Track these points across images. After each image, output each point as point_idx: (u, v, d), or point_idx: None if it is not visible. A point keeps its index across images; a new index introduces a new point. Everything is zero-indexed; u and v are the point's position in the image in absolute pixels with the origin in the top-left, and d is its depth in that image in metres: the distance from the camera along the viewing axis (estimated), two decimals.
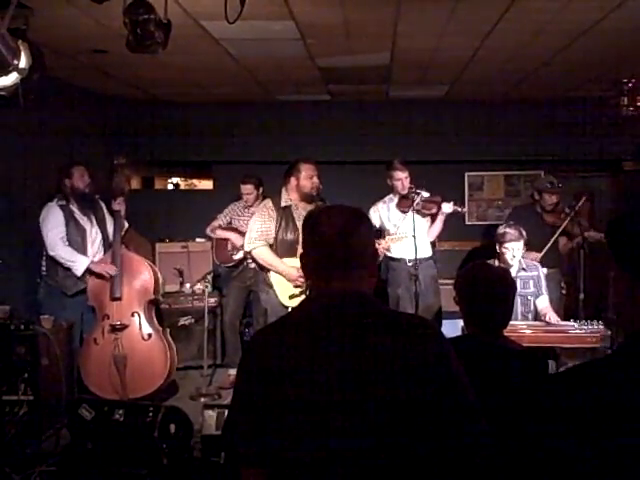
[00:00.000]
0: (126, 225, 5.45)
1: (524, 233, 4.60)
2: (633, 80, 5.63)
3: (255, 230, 4.79)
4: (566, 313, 5.31)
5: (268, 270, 4.80)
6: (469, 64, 5.65)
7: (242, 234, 5.89)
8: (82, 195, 5.14)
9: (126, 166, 5.65)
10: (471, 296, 2.49)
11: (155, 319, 5.28)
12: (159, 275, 5.36)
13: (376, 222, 5.41)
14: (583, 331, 4.32)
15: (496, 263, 4.51)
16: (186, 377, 5.98)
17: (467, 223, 7.49)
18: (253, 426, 1.57)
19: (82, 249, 5.10)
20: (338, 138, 7.48)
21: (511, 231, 4.57)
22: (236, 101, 7.49)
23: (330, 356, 1.53)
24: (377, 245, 4.64)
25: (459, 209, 5.36)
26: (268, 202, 4.95)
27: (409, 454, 1.51)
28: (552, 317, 4.52)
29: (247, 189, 6.00)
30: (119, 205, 5.28)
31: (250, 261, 5.74)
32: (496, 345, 2.43)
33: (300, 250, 4.85)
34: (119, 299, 5.06)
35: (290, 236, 4.74)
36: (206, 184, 8.95)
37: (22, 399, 4.23)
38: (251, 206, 5.97)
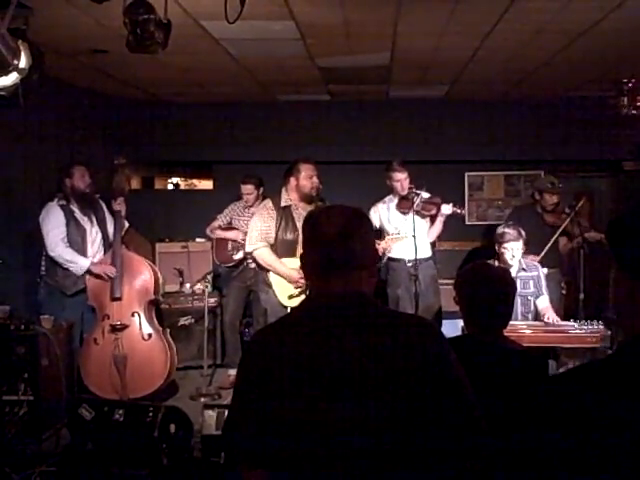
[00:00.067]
0: (126, 225, 5.45)
1: (523, 233, 4.60)
2: (633, 80, 5.63)
3: (256, 230, 4.79)
4: (566, 313, 5.31)
5: (268, 270, 4.80)
6: (469, 64, 5.65)
7: (242, 232, 5.90)
8: (82, 195, 5.14)
9: (126, 166, 5.64)
10: (471, 296, 2.49)
11: (155, 319, 5.28)
12: (159, 275, 5.36)
13: (376, 223, 5.41)
14: (583, 331, 4.32)
15: (496, 263, 4.51)
16: (186, 377, 5.98)
17: (467, 223, 7.49)
18: (253, 426, 1.57)
19: (82, 249, 5.10)
20: (338, 138, 7.48)
21: (510, 231, 4.58)
22: (236, 101, 7.49)
23: (330, 356, 1.53)
24: (377, 245, 4.64)
25: (458, 211, 5.36)
26: (268, 202, 4.95)
27: (409, 454, 1.51)
28: (552, 317, 4.52)
29: (247, 189, 6.00)
30: (119, 205, 5.28)
31: (250, 261, 5.74)
32: (496, 345, 2.43)
33: (300, 250, 4.86)
34: (119, 299, 5.06)
35: (290, 236, 4.74)
36: (206, 184, 8.95)
37: (22, 399, 4.23)
38: (251, 206, 5.97)
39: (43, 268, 5.12)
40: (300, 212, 4.74)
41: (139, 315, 5.11)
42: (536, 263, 4.87)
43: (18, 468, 3.75)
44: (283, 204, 4.83)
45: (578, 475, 1.17)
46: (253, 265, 5.55)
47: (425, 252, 5.43)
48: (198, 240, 6.92)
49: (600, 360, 1.36)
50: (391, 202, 5.57)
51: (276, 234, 4.79)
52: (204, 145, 7.69)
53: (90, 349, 5.02)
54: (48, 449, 4.14)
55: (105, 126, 7.12)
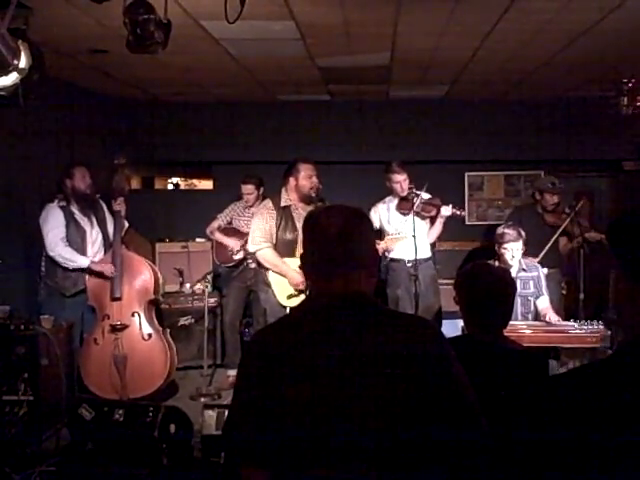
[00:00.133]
0: (126, 225, 5.45)
1: (523, 233, 4.59)
2: (633, 80, 5.63)
3: (258, 230, 4.79)
4: (566, 313, 5.31)
5: (267, 269, 4.80)
6: (469, 64, 5.65)
7: (241, 236, 5.90)
8: (83, 196, 5.14)
9: (126, 166, 5.64)
10: (471, 296, 2.49)
11: (155, 319, 5.28)
12: (159, 275, 5.36)
13: (376, 223, 5.40)
14: (583, 331, 4.32)
15: (496, 264, 4.51)
16: (186, 377, 5.98)
17: (467, 223, 7.48)
18: (253, 426, 1.57)
19: (82, 250, 5.10)
20: (338, 138, 7.48)
21: (510, 231, 4.57)
22: (236, 101, 7.49)
23: (330, 356, 1.53)
24: (377, 245, 4.64)
25: (458, 212, 5.36)
26: (268, 202, 4.95)
27: (409, 453, 1.51)
28: (552, 317, 4.52)
29: (248, 189, 6.00)
30: (119, 205, 5.28)
31: (250, 261, 5.74)
32: (496, 345, 2.43)
33: (299, 250, 4.84)
34: (119, 299, 5.06)
35: (289, 236, 4.74)
36: (206, 184, 8.95)
37: (22, 399, 4.22)
38: (251, 206, 5.97)
39: (43, 269, 5.12)
40: (300, 212, 4.74)
41: (139, 315, 5.11)
42: (536, 263, 4.87)
43: (18, 468, 3.75)
44: (283, 204, 4.83)
45: (578, 474, 1.17)
46: (253, 265, 5.55)
47: (425, 252, 5.43)
48: (198, 240, 6.93)
49: (600, 360, 1.36)
50: (391, 202, 5.57)
51: (276, 234, 4.78)
52: (204, 145, 7.69)
53: (90, 349, 5.02)
54: (48, 449, 4.14)
55: (105, 126, 7.12)
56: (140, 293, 5.16)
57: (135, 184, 8.40)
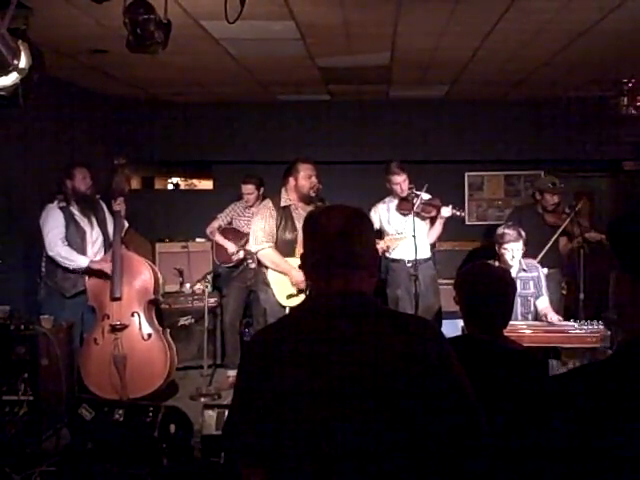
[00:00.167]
0: (126, 225, 5.45)
1: (523, 233, 4.59)
2: (633, 80, 5.63)
3: (260, 230, 4.79)
4: (566, 313, 5.31)
5: (267, 267, 4.79)
6: (469, 64, 5.65)
7: (241, 236, 5.90)
8: (83, 197, 5.14)
9: (126, 166, 5.64)
10: (471, 296, 2.49)
11: (155, 319, 5.28)
12: (159, 275, 5.36)
13: (376, 223, 5.40)
14: (583, 331, 4.32)
15: (496, 264, 4.51)
16: (186, 377, 5.98)
17: (467, 223, 7.48)
18: (253, 426, 1.57)
19: (82, 250, 5.10)
20: (338, 138, 7.48)
21: (510, 232, 4.57)
22: (236, 101, 7.49)
23: (330, 356, 1.53)
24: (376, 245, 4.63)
25: (458, 213, 5.37)
26: (268, 202, 4.95)
27: (409, 454, 1.51)
28: (553, 317, 4.51)
29: (248, 189, 6.00)
30: (119, 205, 5.27)
31: (250, 261, 5.75)
32: (496, 345, 2.43)
33: (299, 250, 4.83)
34: (119, 299, 5.06)
35: (289, 236, 4.74)
36: (206, 184, 8.94)
37: (22, 399, 4.22)
38: (252, 206, 5.97)
39: (43, 270, 5.12)
40: (300, 212, 4.74)
41: (139, 315, 5.11)
42: (536, 264, 4.86)
43: (18, 468, 3.74)
44: (283, 204, 4.83)
45: (578, 474, 1.17)
46: (253, 265, 5.55)
47: (425, 253, 5.43)
48: (198, 240, 6.93)
49: (600, 361, 1.36)
50: (391, 202, 5.57)
51: (276, 234, 4.78)
52: (204, 145, 7.69)
53: (90, 349, 5.02)
54: (48, 449, 4.14)
55: (105, 126, 7.12)
56: (140, 293, 5.16)
57: (135, 184, 8.39)
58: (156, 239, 7.03)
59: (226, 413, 3.67)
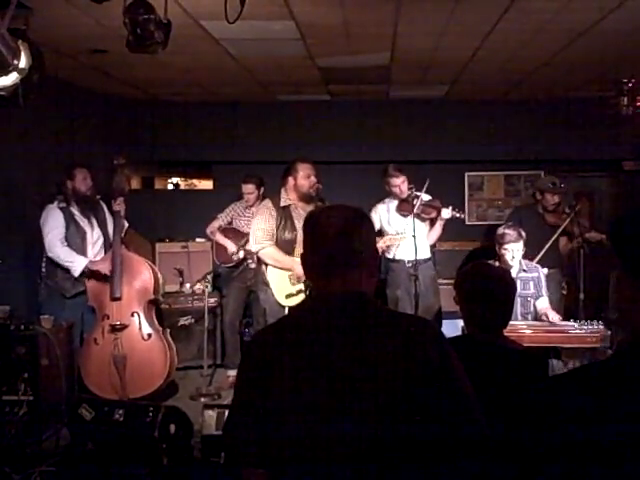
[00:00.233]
0: (126, 225, 5.45)
1: (523, 234, 4.59)
2: (633, 80, 5.63)
3: (260, 230, 4.79)
4: (566, 313, 5.30)
5: (267, 265, 4.79)
6: (469, 64, 5.65)
7: (241, 236, 5.90)
8: (83, 197, 5.14)
9: (126, 166, 5.64)
10: (471, 296, 2.49)
11: (155, 319, 5.27)
12: (159, 275, 5.36)
13: (376, 224, 5.40)
14: (583, 331, 4.32)
15: (496, 264, 4.50)
16: (186, 377, 5.98)
17: (467, 223, 7.48)
18: (253, 426, 1.57)
19: (82, 251, 5.10)
20: (338, 138, 7.48)
21: (510, 232, 4.57)
22: (236, 101, 7.49)
23: (330, 356, 1.53)
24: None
25: (457, 215, 5.36)
26: (268, 202, 4.95)
27: (409, 454, 1.51)
28: (554, 316, 4.51)
29: (248, 189, 6.00)
30: (119, 205, 5.27)
31: (250, 261, 5.75)
32: (496, 345, 2.43)
33: (298, 250, 4.83)
34: (119, 299, 5.06)
35: (288, 235, 4.74)
36: (206, 184, 8.95)
37: (22, 399, 4.22)
38: (252, 206, 5.97)
39: (43, 270, 5.12)
40: (299, 212, 4.75)
41: (139, 315, 5.10)
42: (536, 264, 4.86)
43: (18, 468, 3.74)
44: (282, 204, 4.83)
45: (578, 474, 1.17)
46: (253, 265, 5.55)
47: (424, 253, 5.43)
48: (198, 240, 6.93)
49: (601, 361, 1.36)
50: (391, 203, 5.57)
51: (275, 233, 4.79)
52: (204, 145, 7.69)
53: (90, 349, 5.02)
54: (48, 449, 4.13)
55: (105, 126, 7.12)
56: (140, 293, 5.16)
57: (135, 184, 8.39)
58: (156, 239, 7.03)
59: (226, 413, 3.66)
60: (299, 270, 4.60)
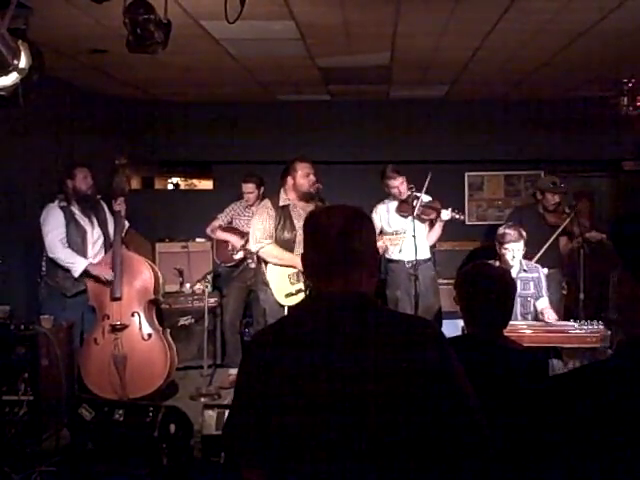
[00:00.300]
0: (127, 225, 5.45)
1: (524, 234, 4.59)
2: (633, 80, 5.63)
3: (258, 230, 4.79)
4: (566, 313, 5.30)
5: (267, 264, 4.79)
6: (469, 64, 5.65)
7: (242, 235, 5.90)
8: (84, 197, 5.14)
9: (127, 166, 5.64)
10: (471, 296, 2.48)
11: (155, 319, 5.27)
12: (159, 275, 5.36)
13: (376, 224, 5.40)
14: (583, 331, 4.32)
15: (497, 264, 4.50)
16: (186, 377, 5.98)
17: (467, 223, 7.47)
18: (253, 426, 1.57)
19: (82, 250, 5.10)
20: (338, 138, 7.48)
21: (511, 232, 4.57)
22: (236, 101, 7.49)
23: (330, 357, 1.53)
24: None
25: (457, 216, 5.35)
26: (267, 202, 4.96)
27: (409, 454, 1.51)
28: (550, 316, 4.51)
29: (248, 188, 6.00)
30: (119, 205, 5.27)
31: (250, 261, 5.74)
32: (496, 345, 2.43)
33: (297, 249, 4.82)
34: (119, 299, 5.06)
35: (287, 235, 4.74)
36: (206, 184, 8.95)
37: (22, 399, 4.22)
38: (252, 205, 5.97)
39: (43, 269, 5.13)
40: (298, 211, 4.75)
41: (139, 315, 5.10)
42: (537, 264, 4.86)
43: (18, 468, 3.74)
44: (281, 204, 4.83)
45: (578, 474, 1.17)
46: (253, 265, 5.55)
47: (424, 254, 5.42)
48: (198, 240, 6.93)
49: (600, 361, 1.36)
50: (390, 204, 5.57)
51: (274, 233, 4.79)
52: (204, 145, 7.69)
53: (90, 349, 5.02)
54: (48, 449, 4.14)
55: (105, 126, 7.12)
56: (140, 293, 5.16)
57: (135, 184, 8.39)
58: (156, 239, 7.03)
59: (226, 413, 3.67)
60: (301, 265, 4.60)
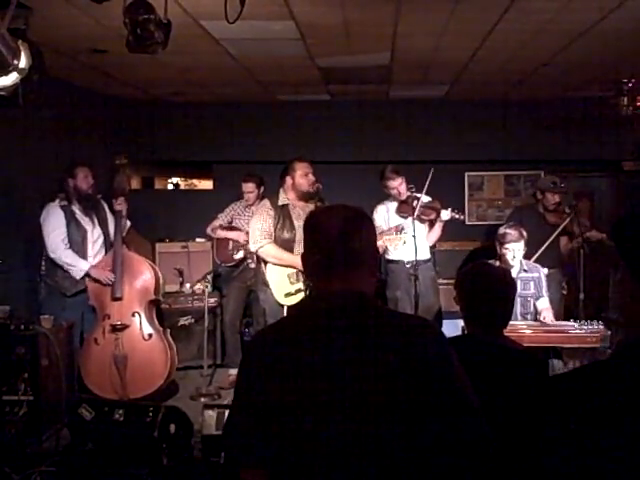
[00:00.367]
0: (128, 224, 5.45)
1: (524, 233, 4.59)
2: (633, 80, 5.64)
3: (257, 230, 4.79)
4: (566, 313, 5.30)
5: (266, 263, 4.79)
6: (469, 64, 5.65)
7: (243, 233, 5.90)
8: (85, 196, 5.14)
9: (127, 166, 5.64)
10: (471, 296, 2.49)
11: (156, 319, 5.27)
12: (160, 275, 5.36)
13: (376, 225, 5.39)
14: (583, 331, 4.32)
15: (497, 264, 4.50)
16: (186, 377, 5.98)
17: (467, 223, 7.47)
18: (253, 427, 1.57)
19: (82, 250, 5.10)
20: (338, 138, 7.49)
21: (511, 232, 4.57)
22: (236, 101, 7.49)
23: (330, 357, 1.53)
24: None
25: (457, 216, 5.35)
26: (266, 202, 4.96)
27: (409, 454, 1.51)
28: (547, 317, 4.51)
29: (249, 187, 6.01)
30: (120, 205, 5.27)
31: (250, 261, 5.75)
32: (496, 345, 2.43)
33: (297, 249, 4.81)
34: (120, 299, 5.06)
35: (287, 235, 4.74)
36: (206, 184, 8.96)
37: (22, 399, 4.22)
38: (252, 205, 5.97)
39: (43, 269, 5.13)
40: (298, 211, 4.75)
41: (140, 315, 5.10)
42: (537, 264, 4.86)
43: (18, 468, 3.74)
44: (281, 203, 4.83)
45: (579, 474, 1.17)
46: (253, 265, 5.55)
47: (424, 254, 5.41)
48: (198, 240, 6.93)
49: (600, 361, 1.36)
50: (390, 204, 5.56)
51: (274, 233, 4.79)
52: (204, 145, 7.70)
53: (90, 349, 5.02)
54: (48, 449, 4.14)
55: (105, 126, 7.12)
56: (141, 293, 5.16)
57: (135, 184, 8.41)
58: (156, 239, 7.03)
59: (226, 413, 3.67)
60: (301, 264, 4.60)
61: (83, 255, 5.09)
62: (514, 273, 4.37)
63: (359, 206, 1.73)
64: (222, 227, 6.15)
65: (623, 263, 1.25)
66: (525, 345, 2.96)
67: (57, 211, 5.05)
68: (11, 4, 2.93)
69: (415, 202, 5.26)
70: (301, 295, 4.61)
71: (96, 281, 5.06)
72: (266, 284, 4.80)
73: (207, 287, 5.96)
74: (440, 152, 7.45)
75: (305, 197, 4.82)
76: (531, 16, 4.21)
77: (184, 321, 6.30)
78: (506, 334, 2.55)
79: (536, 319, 4.61)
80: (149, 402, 4.22)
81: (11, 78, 3.15)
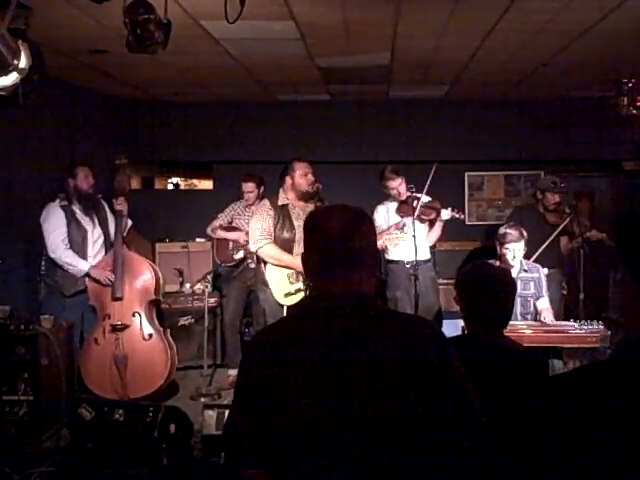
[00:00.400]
0: (130, 223, 5.45)
1: (525, 233, 4.59)
2: (633, 80, 5.64)
3: (257, 230, 4.79)
4: (566, 313, 5.30)
5: (266, 264, 4.80)
6: (469, 64, 5.65)
7: (243, 233, 5.90)
8: (85, 196, 5.15)
9: (127, 166, 5.64)
10: (471, 296, 2.49)
11: (156, 319, 5.27)
12: (160, 275, 5.36)
13: (376, 225, 5.39)
14: (583, 331, 4.32)
15: (497, 264, 4.50)
16: (186, 377, 5.98)
17: (467, 223, 7.48)
18: (254, 427, 1.57)
19: (82, 250, 5.10)
20: (338, 138, 7.49)
21: (512, 231, 4.57)
22: (236, 101, 7.49)
23: (331, 357, 1.53)
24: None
25: (457, 215, 5.35)
26: (266, 202, 4.96)
27: (410, 454, 1.51)
28: (547, 317, 4.52)
29: (249, 187, 6.01)
30: (121, 205, 5.27)
31: (250, 261, 5.74)
32: (496, 345, 2.43)
33: (297, 249, 4.80)
34: (120, 299, 5.06)
35: (286, 234, 4.74)
36: (206, 184, 8.95)
37: (22, 399, 4.22)
38: (252, 205, 5.97)
39: (43, 268, 5.13)
40: (297, 211, 4.75)
41: (140, 315, 5.10)
42: (537, 264, 4.86)
43: (18, 468, 3.74)
44: (280, 203, 4.83)
45: (579, 475, 1.17)
46: (253, 265, 5.55)
47: (424, 254, 5.41)
48: (198, 240, 6.93)
49: (601, 361, 1.36)
50: (390, 204, 5.56)
51: (274, 233, 4.79)
52: (204, 145, 7.70)
53: (90, 349, 5.02)
54: (48, 449, 4.14)
55: (105, 126, 7.12)
56: (141, 293, 5.16)
57: (135, 184, 8.39)
58: (156, 239, 7.03)
59: (226, 413, 3.67)
60: (300, 265, 4.59)
61: (83, 255, 5.09)
62: (514, 273, 4.37)
63: (359, 206, 1.73)
64: (222, 227, 6.15)
65: (623, 263, 1.25)
66: (525, 345, 2.96)
67: (57, 211, 5.05)
68: (11, 4, 2.93)
69: (415, 202, 5.26)
70: (301, 295, 4.61)
71: (96, 281, 5.06)
72: (266, 284, 4.80)
73: (207, 287, 5.96)
74: (440, 152, 7.42)
75: (305, 197, 4.81)
76: (531, 16, 4.21)
77: (184, 321, 6.30)
78: (506, 334, 2.55)
79: (536, 319, 4.61)
80: (149, 402, 4.22)
81: (11, 78, 3.15)
